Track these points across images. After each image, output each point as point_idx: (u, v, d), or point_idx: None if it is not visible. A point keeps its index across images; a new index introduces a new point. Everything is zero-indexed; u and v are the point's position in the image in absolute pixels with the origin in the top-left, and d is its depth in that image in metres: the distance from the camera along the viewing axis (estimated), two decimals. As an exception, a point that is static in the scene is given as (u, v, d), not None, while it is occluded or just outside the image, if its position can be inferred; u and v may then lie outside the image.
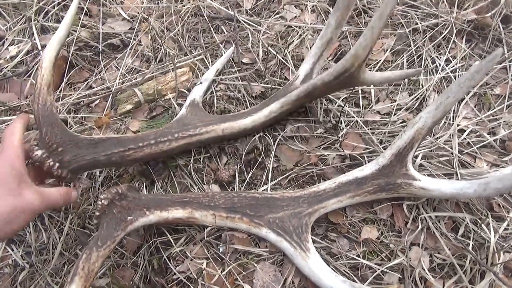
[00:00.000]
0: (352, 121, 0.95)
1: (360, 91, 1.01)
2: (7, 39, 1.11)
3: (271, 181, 0.88)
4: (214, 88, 1.01)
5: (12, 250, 0.87)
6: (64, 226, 0.86)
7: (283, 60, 1.06)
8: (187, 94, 0.99)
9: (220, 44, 1.11)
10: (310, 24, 1.14)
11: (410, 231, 0.80)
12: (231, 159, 0.92)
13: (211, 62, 1.08)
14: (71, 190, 0.73)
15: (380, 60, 1.06)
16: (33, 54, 1.07)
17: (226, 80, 1.03)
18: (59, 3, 1.15)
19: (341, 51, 1.08)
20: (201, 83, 0.98)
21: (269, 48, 1.08)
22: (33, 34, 1.10)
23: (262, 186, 0.88)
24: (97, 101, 1.02)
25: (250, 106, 0.98)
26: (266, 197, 0.81)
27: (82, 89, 1.05)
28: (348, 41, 1.11)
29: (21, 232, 0.88)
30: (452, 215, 0.81)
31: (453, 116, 0.94)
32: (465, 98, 0.97)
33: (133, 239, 0.84)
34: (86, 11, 1.18)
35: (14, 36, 1.11)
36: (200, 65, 1.07)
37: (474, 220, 0.80)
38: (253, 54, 1.09)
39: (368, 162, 0.88)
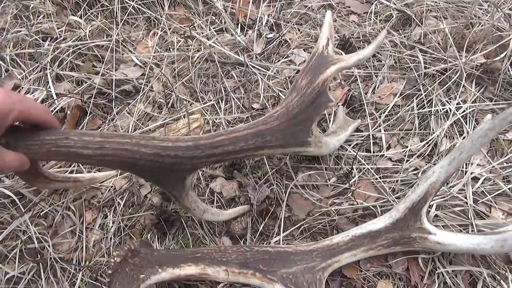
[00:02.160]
0: (364, 168, 0.95)
1: (371, 137, 1.01)
2: (22, 87, 1.13)
3: (283, 232, 0.88)
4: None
5: (24, 304, 0.86)
6: (76, 279, 0.86)
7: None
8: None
9: (230, 92, 1.13)
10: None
11: (427, 286, 0.79)
12: (243, 209, 0.92)
13: (222, 108, 1.09)
14: (26, 159, 0.66)
15: (389, 105, 1.06)
16: (48, 103, 1.09)
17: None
18: (74, 52, 1.18)
19: (350, 95, 1.09)
20: None
21: (279, 93, 1.09)
22: (48, 82, 1.12)
23: (275, 237, 0.87)
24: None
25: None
26: (279, 251, 0.80)
27: (95, 136, 1.06)
28: (358, 84, 1.12)
29: (33, 285, 0.88)
30: (469, 269, 0.79)
31: (466, 164, 0.94)
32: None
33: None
34: (99, 58, 1.21)
35: (30, 85, 1.13)
36: (211, 111, 1.08)
37: (492, 274, 0.79)
38: (264, 100, 1.10)
39: (381, 211, 0.88)
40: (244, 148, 0.68)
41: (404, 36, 1.20)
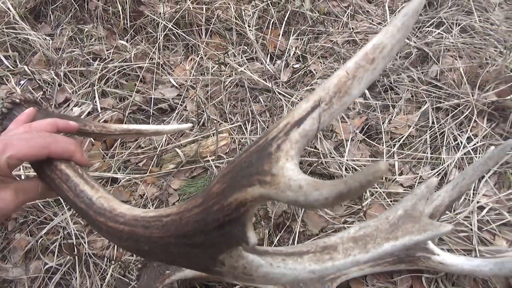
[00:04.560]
0: (377, 192, 1.02)
1: (384, 163, 1.08)
2: (72, 100, 1.27)
3: (297, 244, 0.95)
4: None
5: (59, 293, 0.96)
6: (107, 274, 0.95)
7: (314, 130, 1.16)
8: (225, 158, 1.10)
9: (257, 115, 1.23)
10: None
11: (429, 304, 0.84)
12: (261, 221, 1.00)
13: (248, 129, 1.19)
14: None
15: (404, 135, 1.14)
16: (93, 116, 1.22)
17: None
18: (119, 72, 1.32)
19: (368, 125, 1.17)
20: None
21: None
22: (95, 97, 1.26)
23: (289, 249, 0.95)
24: (144, 161, 1.14)
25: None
26: (292, 261, 0.87)
27: (132, 148, 1.18)
28: (376, 114, 1.21)
29: (68, 277, 0.98)
30: (470, 291, 0.84)
31: (473, 193, 0.99)
32: (485, 176, 1.02)
33: (168, 291, 0.91)
34: (141, 78, 1.34)
35: (79, 99, 1.27)
36: (238, 131, 1.19)
37: (492, 298, 0.83)
38: (286, 123, 1.19)
39: (390, 232, 0.94)
40: (122, 245, 0.47)
41: (422, 72, 1.28)
